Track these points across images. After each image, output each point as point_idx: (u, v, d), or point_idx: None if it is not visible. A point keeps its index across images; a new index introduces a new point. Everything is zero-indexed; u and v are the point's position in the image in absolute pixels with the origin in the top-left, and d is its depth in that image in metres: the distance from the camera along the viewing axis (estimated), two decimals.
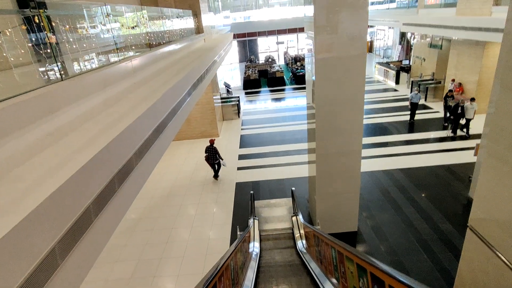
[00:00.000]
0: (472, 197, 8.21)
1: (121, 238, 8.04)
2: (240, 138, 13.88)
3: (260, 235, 7.34)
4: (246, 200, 8.95)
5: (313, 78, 6.48)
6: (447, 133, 12.21)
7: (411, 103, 13.36)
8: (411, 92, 17.52)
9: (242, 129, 15.03)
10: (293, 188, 8.18)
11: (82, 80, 3.37)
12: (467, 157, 10.29)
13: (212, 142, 10.15)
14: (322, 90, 6.21)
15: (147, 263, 7.17)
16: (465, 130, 11.92)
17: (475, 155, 8.24)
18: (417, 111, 14.50)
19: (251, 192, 8.28)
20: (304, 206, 8.63)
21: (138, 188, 3.28)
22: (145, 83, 4.83)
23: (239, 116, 16.63)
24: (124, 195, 2.88)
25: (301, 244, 6.59)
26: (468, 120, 11.66)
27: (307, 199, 8.86)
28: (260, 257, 6.54)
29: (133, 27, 5.22)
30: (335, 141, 6.58)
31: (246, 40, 35.05)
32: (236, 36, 32.31)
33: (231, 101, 16.68)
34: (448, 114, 12.87)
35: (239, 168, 11.14)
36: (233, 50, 35.20)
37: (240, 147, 12.87)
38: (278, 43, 32.55)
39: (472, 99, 11.43)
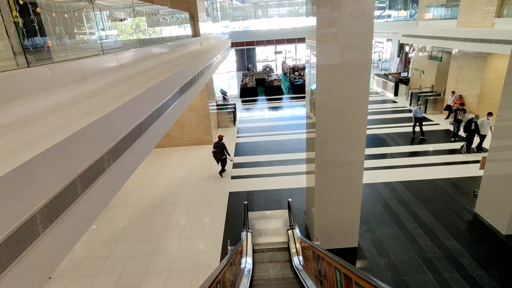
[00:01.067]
0: (478, 213, 7.78)
1: (104, 249, 7.46)
2: (235, 146, 13.42)
3: (253, 249, 6.81)
4: (239, 211, 8.44)
5: (312, 87, 6.11)
6: (462, 150, 11.31)
7: (415, 118, 12.74)
8: (410, 104, 17.31)
9: (237, 137, 14.58)
10: (290, 199, 7.69)
11: (53, 69, 2.93)
12: (471, 170, 9.91)
13: (220, 138, 10.34)
14: (323, 98, 5.81)
15: (129, 278, 6.58)
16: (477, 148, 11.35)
17: (481, 168, 7.85)
18: (419, 124, 14.24)
19: (245, 202, 7.77)
20: (301, 219, 8.13)
21: (109, 196, 2.79)
22: (131, 79, 4.39)
23: (234, 124, 16.20)
24: (89, 203, 2.40)
25: (297, 260, 6.07)
26: (483, 137, 11.02)
27: (304, 211, 8.37)
28: (252, 273, 6.01)
29: (122, 20, 4.81)
30: (336, 151, 6.15)
31: (244, 49, 34.95)
32: (234, 44, 32.20)
33: (227, 108, 16.28)
34: (457, 129, 12.19)
35: (233, 177, 10.64)
36: (231, 59, 35.11)
37: (234, 155, 12.39)
38: (276, 52, 32.46)
39: (489, 114, 10.73)
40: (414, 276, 6.10)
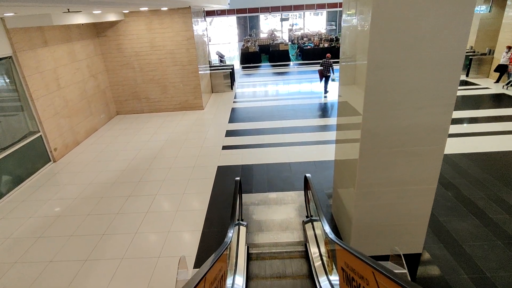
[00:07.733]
0: None
1: (17, 248, 4.75)
2: (230, 111, 10.55)
3: (247, 254, 4.03)
4: (230, 192, 5.67)
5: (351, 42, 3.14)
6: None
7: None
8: None
9: (234, 101, 11.69)
10: (308, 175, 4.84)
11: None
12: None
13: (328, 57, 11.03)
14: (384, 40, 2.92)
15: None
16: None
17: None
18: (460, 88, 11.31)
19: (236, 178, 4.94)
20: (324, 206, 5.34)
21: None
22: None
23: (232, 89, 13.27)
24: None
25: (327, 281, 3.29)
26: None
27: (328, 194, 5.57)
28: None
29: None
30: (400, 116, 3.29)
31: (247, 18, 31.61)
32: (236, 12, 28.83)
33: (223, 69, 13.30)
34: None
35: (224, 147, 7.82)
36: (233, 29, 31.86)
37: (229, 122, 9.54)
38: (282, 19, 29.02)
39: None
40: None
